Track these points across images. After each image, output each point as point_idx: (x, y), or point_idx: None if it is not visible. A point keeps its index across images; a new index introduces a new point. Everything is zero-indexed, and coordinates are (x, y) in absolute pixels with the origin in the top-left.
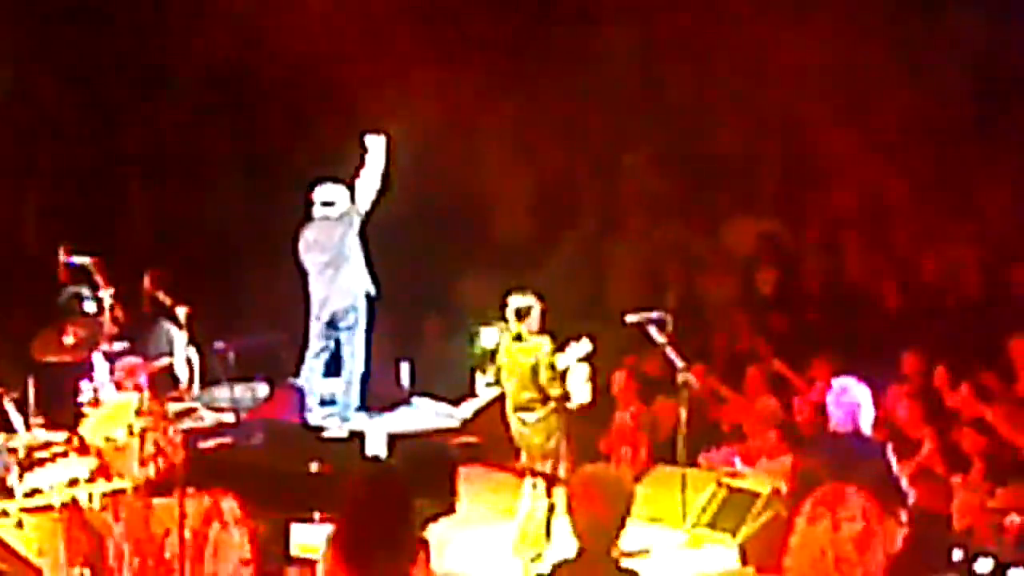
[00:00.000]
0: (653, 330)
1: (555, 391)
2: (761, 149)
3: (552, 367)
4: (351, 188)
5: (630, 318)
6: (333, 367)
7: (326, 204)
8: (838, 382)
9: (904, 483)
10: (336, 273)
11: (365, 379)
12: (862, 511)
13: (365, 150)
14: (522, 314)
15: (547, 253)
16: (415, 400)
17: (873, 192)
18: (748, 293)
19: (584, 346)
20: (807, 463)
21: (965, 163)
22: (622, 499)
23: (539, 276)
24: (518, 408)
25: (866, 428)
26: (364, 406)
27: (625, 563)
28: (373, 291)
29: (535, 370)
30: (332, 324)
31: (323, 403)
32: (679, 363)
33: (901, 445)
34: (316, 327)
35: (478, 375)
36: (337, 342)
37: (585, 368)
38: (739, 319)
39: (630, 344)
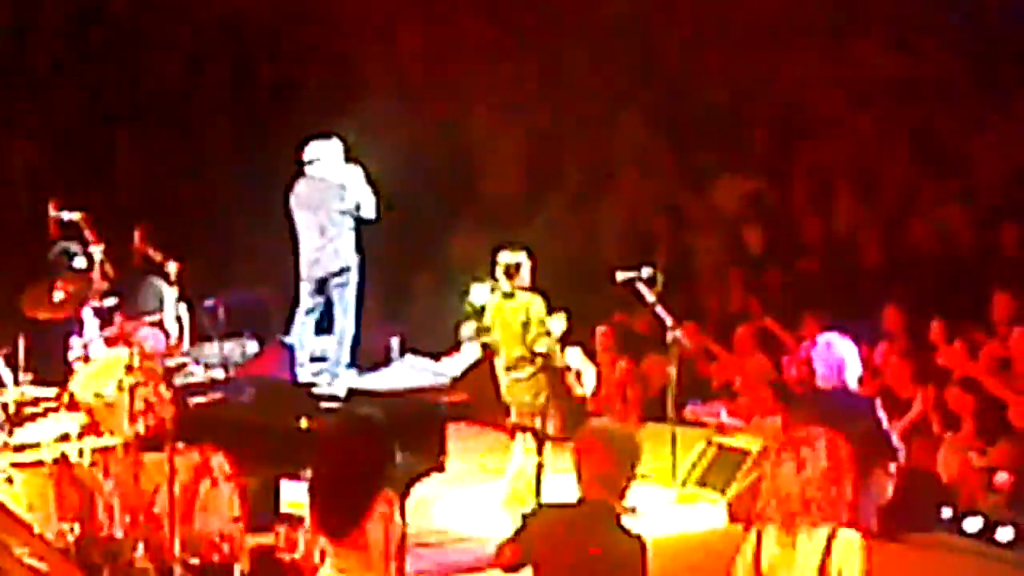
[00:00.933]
0: (643, 288)
1: (544, 348)
2: (750, 106)
3: (541, 323)
4: (344, 142)
5: (620, 276)
6: (324, 324)
7: (312, 162)
8: (822, 337)
9: (894, 438)
10: (326, 237)
11: (356, 336)
12: (826, 451)
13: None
14: (511, 271)
15: (536, 211)
16: (405, 358)
17: (861, 149)
18: (737, 251)
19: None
20: (795, 420)
21: (954, 118)
22: (629, 455)
23: (528, 233)
24: (508, 366)
25: (852, 383)
26: (354, 363)
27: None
28: (356, 261)
29: (525, 327)
30: (323, 282)
31: (313, 360)
32: (668, 321)
33: (890, 402)
34: (307, 285)
35: (462, 328)
36: (328, 300)
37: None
38: (729, 277)
39: (619, 302)
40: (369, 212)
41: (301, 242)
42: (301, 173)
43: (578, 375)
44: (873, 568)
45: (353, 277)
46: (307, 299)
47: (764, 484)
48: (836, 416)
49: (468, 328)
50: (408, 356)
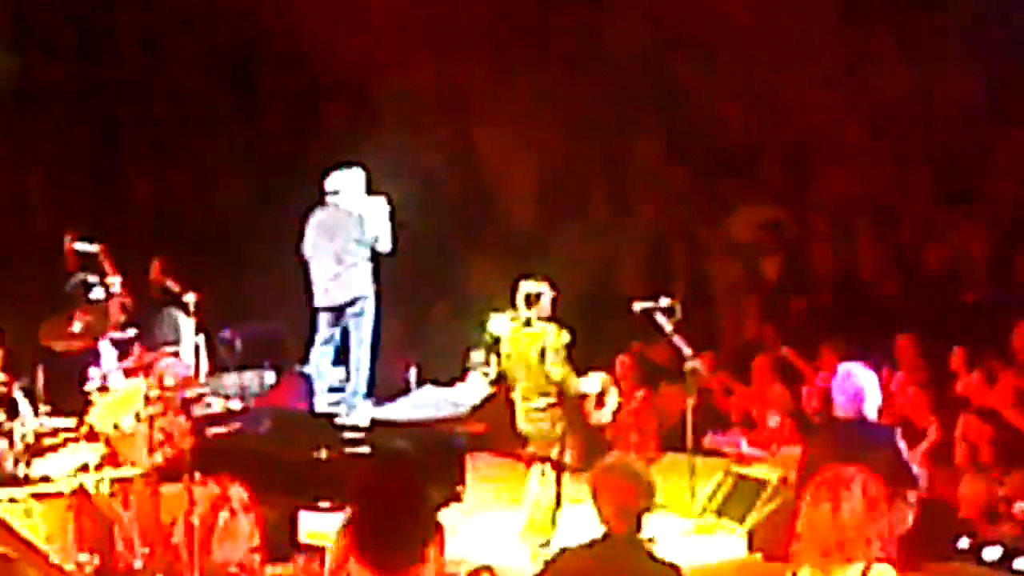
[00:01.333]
0: (660, 318)
1: (561, 378)
2: (767, 137)
3: (558, 353)
4: (365, 170)
5: (637, 306)
6: (341, 355)
7: (336, 192)
8: (842, 367)
9: (914, 468)
10: (342, 266)
11: (372, 367)
12: (862, 491)
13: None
14: (532, 300)
15: (554, 241)
16: (423, 388)
17: (878, 178)
18: (755, 281)
19: (600, 378)
20: (814, 451)
21: (971, 148)
22: (644, 487)
23: (546, 263)
24: (524, 396)
25: (871, 413)
26: (371, 393)
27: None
28: (372, 292)
29: (542, 356)
30: (339, 312)
31: (331, 390)
32: (687, 351)
33: (909, 432)
34: (324, 315)
35: (471, 355)
36: (344, 330)
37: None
38: (747, 307)
39: (636, 332)
40: (385, 246)
41: (316, 271)
42: (322, 202)
43: (599, 401)
44: None
45: (369, 307)
46: (324, 329)
47: (799, 524)
48: (855, 446)
49: (477, 356)
50: (426, 386)
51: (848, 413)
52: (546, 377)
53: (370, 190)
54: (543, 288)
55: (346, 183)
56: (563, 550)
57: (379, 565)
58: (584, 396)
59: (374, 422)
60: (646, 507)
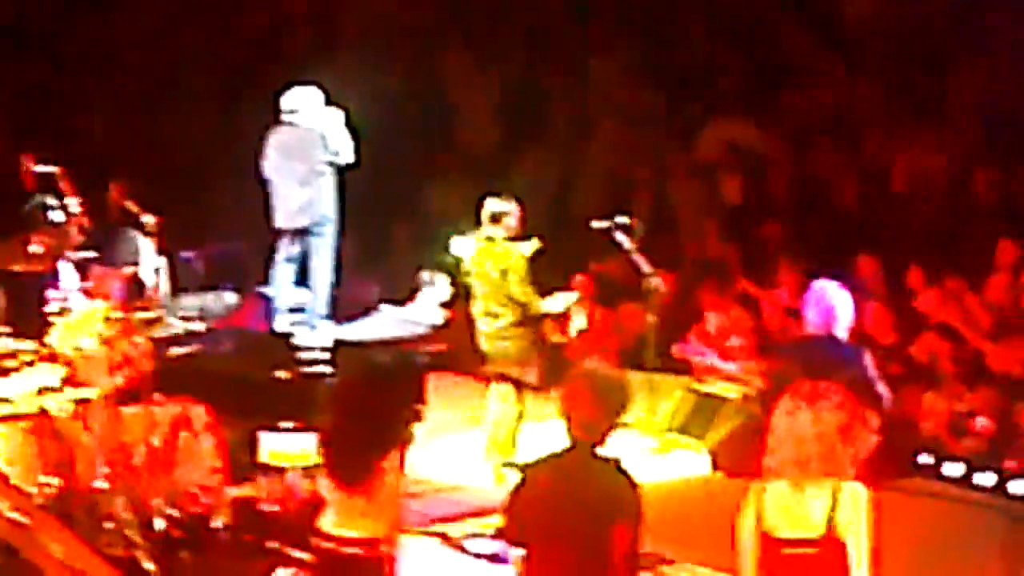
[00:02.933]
0: (620, 235)
1: (524, 298)
2: (728, 51)
3: (519, 273)
4: (324, 91)
5: (596, 224)
6: (302, 276)
7: (293, 111)
8: (816, 285)
9: (881, 387)
10: (308, 187)
11: (334, 288)
12: (842, 402)
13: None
14: (496, 218)
15: (515, 160)
16: (382, 308)
17: (840, 96)
18: (715, 199)
19: (572, 296)
20: (781, 366)
21: (934, 64)
22: (620, 397)
23: (507, 183)
24: (485, 314)
25: (842, 332)
26: (332, 315)
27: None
28: (335, 214)
29: (504, 275)
30: (302, 232)
31: (291, 311)
32: (646, 268)
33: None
34: (285, 235)
35: (421, 274)
36: (305, 250)
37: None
38: (708, 227)
39: (596, 250)
40: (348, 156)
41: (279, 192)
42: (279, 122)
43: (564, 321)
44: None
45: (331, 228)
46: (284, 249)
47: (771, 438)
48: (824, 363)
49: (427, 274)
50: (384, 307)
51: (819, 330)
52: (508, 296)
53: (328, 103)
54: (508, 207)
55: (303, 102)
56: (525, 466)
57: (336, 473)
58: (546, 316)
59: (336, 342)
60: (612, 420)
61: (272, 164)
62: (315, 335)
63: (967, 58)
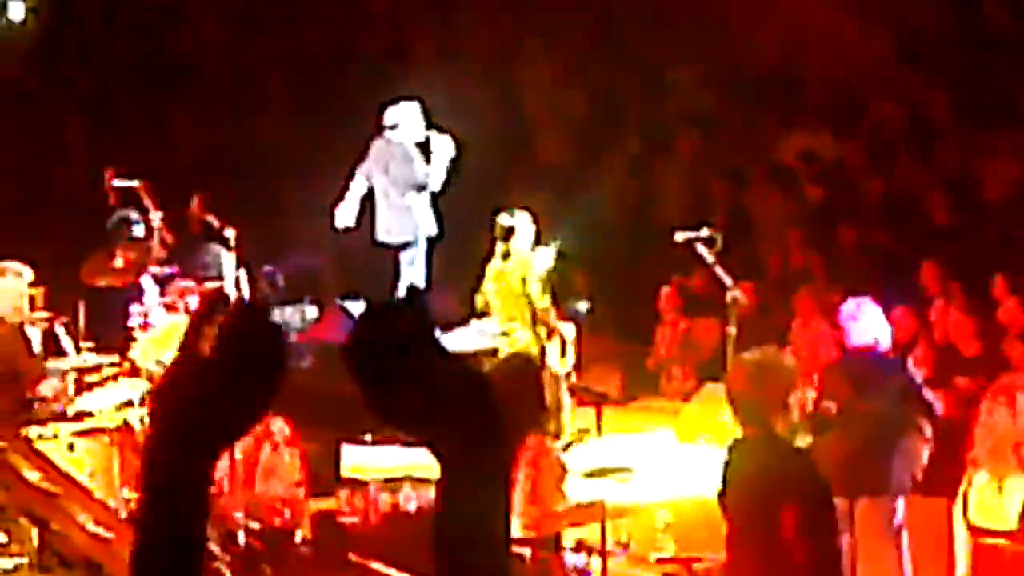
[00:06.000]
0: (702, 248)
1: (543, 304)
2: (805, 64)
3: (541, 281)
4: (423, 105)
5: (679, 236)
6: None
7: (391, 127)
8: (851, 302)
9: (928, 395)
10: (390, 203)
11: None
12: None
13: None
14: (508, 234)
15: (595, 173)
16: (472, 321)
17: (917, 103)
18: (799, 210)
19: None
20: (829, 384)
21: (1008, 72)
22: (780, 381)
23: (587, 195)
24: (503, 334)
25: (884, 345)
26: None
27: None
28: (435, 232)
29: (524, 283)
30: (392, 249)
31: None
32: (728, 281)
33: (953, 359)
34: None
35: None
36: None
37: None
38: (790, 238)
39: (678, 263)
40: (435, 185)
41: (378, 205)
42: (380, 134)
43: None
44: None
45: (420, 253)
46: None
47: (977, 430)
48: (867, 379)
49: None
50: (475, 321)
51: (858, 345)
52: (529, 303)
53: (435, 127)
54: (515, 221)
55: (404, 117)
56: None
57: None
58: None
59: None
60: (778, 403)
61: (371, 175)
62: None
63: None
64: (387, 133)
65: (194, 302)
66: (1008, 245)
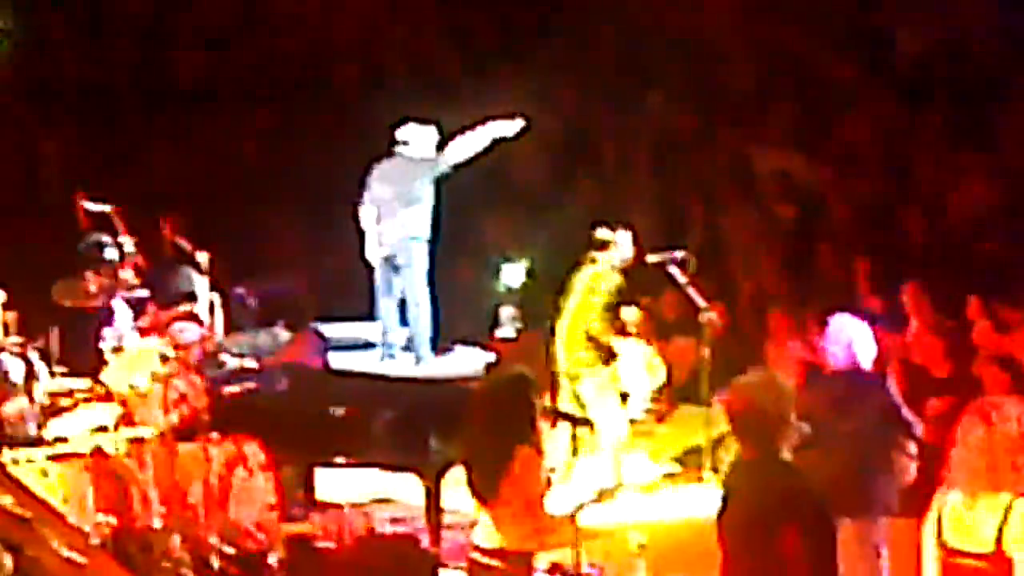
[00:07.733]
0: (674, 269)
1: (597, 332)
2: (777, 85)
3: (605, 298)
4: (439, 130)
5: (651, 258)
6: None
7: (404, 143)
8: (834, 319)
9: (908, 414)
10: (396, 212)
11: (435, 320)
12: (1018, 419)
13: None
14: (600, 246)
15: (565, 194)
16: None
17: (887, 123)
18: (772, 231)
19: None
20: (808, 403)
21: (982, 95)
22: (778, 403)
23: (558, 217)
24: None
25: (865, 364)
26: (435, 345)
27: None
28: (427, 235)
29: (591, 293)
30: (391, 263)
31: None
32: (701, 302)
33: (924, 381)
34: (379, 267)
35: (501, 310)
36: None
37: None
38: (764, 258)
39: (649, 284)
40: (456, 158)
41: (378, 220)
42: (389, 153)
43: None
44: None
45: (416, 261)
46: (381, 281)
47: (953, 451)
48: (847, 397)
49: (507, 310)
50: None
51: (841, 364)
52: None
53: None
54: (612, 236)
55: (419, 137)
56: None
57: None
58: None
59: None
60: (778, 424)
61: (372, 195)
62: (397, 367)
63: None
64: (399, 149)
65: (170, 326)
66: (982, 266)
